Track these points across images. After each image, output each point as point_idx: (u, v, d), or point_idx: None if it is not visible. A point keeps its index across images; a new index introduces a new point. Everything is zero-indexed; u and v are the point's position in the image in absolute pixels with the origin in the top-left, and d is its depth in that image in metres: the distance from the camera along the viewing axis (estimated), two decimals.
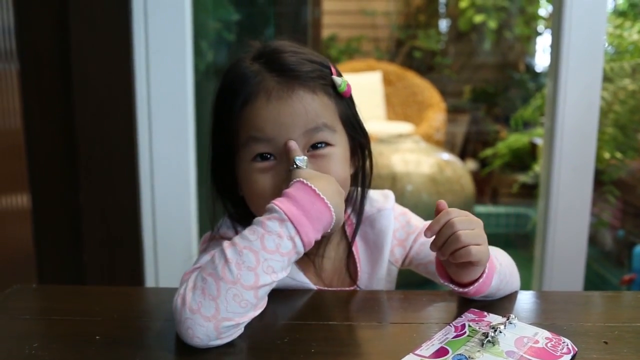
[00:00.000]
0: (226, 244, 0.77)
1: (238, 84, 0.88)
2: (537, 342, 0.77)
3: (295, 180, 0.80)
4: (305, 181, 0.79)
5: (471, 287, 0.86)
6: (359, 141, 0.96)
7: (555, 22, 1.89)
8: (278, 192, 0.83)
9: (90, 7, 1.77)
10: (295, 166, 0.84)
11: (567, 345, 0.77)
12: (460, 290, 0.87)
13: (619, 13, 2.84)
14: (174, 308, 0.77)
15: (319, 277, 0.98)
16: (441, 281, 0.89)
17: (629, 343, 0.79)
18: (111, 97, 1.82)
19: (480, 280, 0.85)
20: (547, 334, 0.79)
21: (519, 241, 3.70)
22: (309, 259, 0.96)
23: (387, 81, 4.95)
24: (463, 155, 4.79)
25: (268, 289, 0.77)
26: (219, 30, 2.83)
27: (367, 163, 0.98)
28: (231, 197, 0.96)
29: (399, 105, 4.92)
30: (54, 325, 0.86)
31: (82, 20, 1.78)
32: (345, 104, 0.93)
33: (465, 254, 0.80)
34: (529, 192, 3.56)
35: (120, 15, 1.78)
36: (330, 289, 0.97)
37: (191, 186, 1.89)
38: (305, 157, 0.85)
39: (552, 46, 1.94)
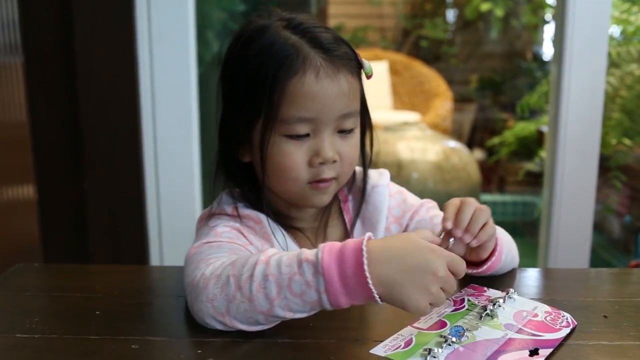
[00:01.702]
0: (263, 257, 0.73)
1: (281, 54, 0.84)
2: (536, 315, 0.77)
3: (364, 243, 0.70)
4: (364, 261, 0.68)
5: (485, 265, 0.86)
6: (363, 121, 0.96)
7: (560, 8, 1.88)
8: (307, 167, 0.86)
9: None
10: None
11: (567, 318, 0.77)
12: (475, 270, 0.87)
13: (629, 0, 2.82)
14: (193, 282, 0.77)
15: None
16: None
17: (628, 317, 0.79)
18: (115, 87, 1.83)
19: (494, 256, 0.86)
20: (546, 308, 0.79)
21: (526, 229, 3.69)
22: (304, 235, 0.96)
23: (394, 71, 4.93)
24: (470, 144, 4.78)
25: (280, 320, 0.75)
26: (224, 21, 2.83)
27: (368, 143, 0.98)
28: (235, 166, 0.94)
29: (405, 95, 4.91)
30: (54, 301, 0.87)
31: (85, 11, 1.78)
32: (362, 85, 0.93)
33: (489, 231, 0.81)
34: (536, 180, 3.55)
35: (123, 5, 1.78)
36: None
37: (195, 175, 1.90)
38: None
39: (556, 32, 1.93)
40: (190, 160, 1.88)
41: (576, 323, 0.76)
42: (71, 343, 0.74)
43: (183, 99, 1.86)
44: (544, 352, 0.68)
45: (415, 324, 0.74)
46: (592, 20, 1.83)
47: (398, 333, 0.72)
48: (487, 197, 3.89)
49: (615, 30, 2.62)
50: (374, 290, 0.68)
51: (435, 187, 2.91)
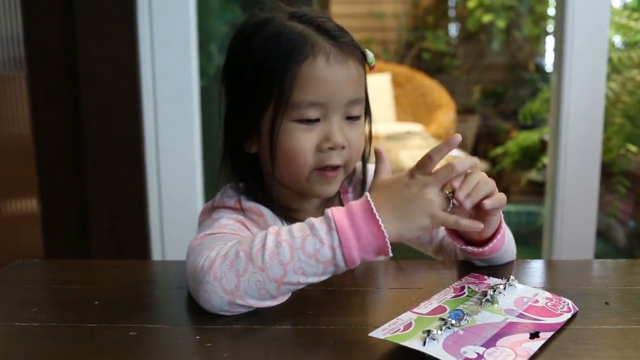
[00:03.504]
0: (272, 230, 0.75)
1: (289, 42, 0.85)
2: (536, 301, 0.77)
3: (367, 195, 0.75)
4: (372, 205, 0.73)
5: (490, 243, 0.86)
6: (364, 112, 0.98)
7: (559, 13, 1.89)
8: (315, 152, 0.87)
9: (96, 11, 1.79)
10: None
11: (568, 304, 0.76)
12: (478, 250, 0.87)
13: (629, 8, 2.82)
14: (197, 267, 0.77)
15: None
16: (458, 246, 0.89)
17: (629, 303, 0.78)
18: (118, 95, 1.84)
19: (499, 234, 0.87)
20: (547, 294, 0.79)
21: (530, 238, 3.68)
22: None
23: (397, 83, 4.95)
24: (474, 155, 4.76)
25: (293, 288, 0.76)
26: (227, 34, 2.85)
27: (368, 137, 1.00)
28: (240, 158, 0.95)
29: (408, 107, 4.92)
30: (53, 293, 0.87)
31: (88, 24, 1.80)
32: (366, 76, 0.95)
33: (501, 198, 0.82)
34: (539, 190, 3.55)
35: (125, 15, 1.80)
36: None
37: (197, 179, 1.90)
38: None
39: (556, 37, 1.93)
40: (192, 164, 1.88)
41: (577, 309, 0.75)
42: (69, 330, 0.73)
43: (185, 105, 1.87)
44: (545, 335, 0.68)
45: (415, 309, 0.73)
46: (592, 24, 1.84)
47: (397, 317, 0.71)
48: None
49: (617, 39, 2.63)
50: (385, 234, 0.72)
51: None
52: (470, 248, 0.88)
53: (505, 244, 0.90)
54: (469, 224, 0.77)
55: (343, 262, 0.73)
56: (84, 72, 1.81)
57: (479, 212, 0.82)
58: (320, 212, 0.98)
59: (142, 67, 1.82)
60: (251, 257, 0.73)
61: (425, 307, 0.74)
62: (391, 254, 0.74)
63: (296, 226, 0.75)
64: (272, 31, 0.87)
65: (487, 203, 0.80)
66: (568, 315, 0.74)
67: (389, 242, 0.73)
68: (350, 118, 0.90)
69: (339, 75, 0.86)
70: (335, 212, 0.74)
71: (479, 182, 0.80)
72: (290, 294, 0.78)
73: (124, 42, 1.81)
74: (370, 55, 0.92)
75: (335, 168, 0.89)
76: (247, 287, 0.73)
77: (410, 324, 0.69)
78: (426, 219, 0.75)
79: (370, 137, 0.98)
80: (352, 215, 0.73)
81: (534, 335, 0.68)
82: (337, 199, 1.00)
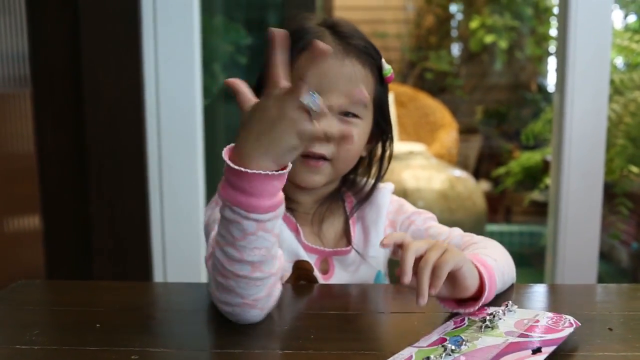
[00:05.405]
0: (212, 241, 0.76)
1: (298, 34, 0.90)
2: (537, 321, 0.76)
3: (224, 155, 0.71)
4: (229, 162, 0.70)
5: (479, 300, 0.81)
6: (382, 128, 1.01)
7: (561, 35, 1.90)
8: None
9: (101, 31, 1.81)
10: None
11: (569, 320, 0.75)
12: (470, 310, 0.81)
13: (631, 30, 2.84)
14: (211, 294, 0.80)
15: (318, 238, 1.02)
16: (452, 310, 0.83)
17: (633, 330, 0.78)
18: (122, 115, 1.85)
19: (485, 288, 0.81)
20: (548, 314, 0.78)
21: (533, 258, 3.67)
22: (311, 225, 1.01)
23: (399, 102, 4.96)
24: (476, 175, 4.77)
25: (268, 257, 0.74)
26: (231, 54, 2.87)
27: (387, 155, 1.03)
28: None
29: (411, 126, 4.93)
30: (55, 315, 0.87)
31: (93, 43, 1.81)
32: (382, 89, 0.98)
33: (449, 259, 0.75)
34: (543, 210, 3.54)
35: (131, 35, 1.81)
36: (329, 249, 1.01)
37: (200, 198, 1.90)
38: (316, 94, 0.71)
39: (558, 59, 1.94)
40: (195, 184, 1.88)
41: (580, 324, 0.74)
42: (70, 354, 0.73)
43: (188, 124, 1.87)
44: (547, 350, 0.67)
45: (416, 344, 0.72)
46: (594, 46, 1.85)
47: (399, 353, 0.70)
48: (493, 227, 3.87)
49: (619, 61, 2.64)
50: (254, 172, 0.68)
51: (441, 215, 2.87)
52: (463, 310, 0.81)
53: (499, 283, 0.85)
54: (337, 132, 0.73)
55: (265, 216, 0.71)
56: (88, 91, 1.83)
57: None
58: (316, 207, 1.01)
59: (146, 86, 1.83)
60: (225, 275, 0.74)
61: (425, 341, 0.73)
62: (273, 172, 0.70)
63: (219, 224, 0.74)
64: (290, 27, 0.89)
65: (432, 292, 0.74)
66: (570, 330, 0.73)
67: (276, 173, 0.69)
68: (346, 115, 0.92)
69: (333, 68, 0.90)
70: (221, 189, 0.71)
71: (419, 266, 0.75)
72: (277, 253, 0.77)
73: (128, 62, 1.82)
74: (386, 66, 0.96)
75: (319, 158, 0.91)
76: (247, 292, 0.75)
77: (410, 357, 0.69)
78: (293, 138, 0.69)
79: (390, 158, 1.01)
80: (232, 183, 0.70)
81: (536, 351, 0.67)
82: (341, 204, 1.03)
